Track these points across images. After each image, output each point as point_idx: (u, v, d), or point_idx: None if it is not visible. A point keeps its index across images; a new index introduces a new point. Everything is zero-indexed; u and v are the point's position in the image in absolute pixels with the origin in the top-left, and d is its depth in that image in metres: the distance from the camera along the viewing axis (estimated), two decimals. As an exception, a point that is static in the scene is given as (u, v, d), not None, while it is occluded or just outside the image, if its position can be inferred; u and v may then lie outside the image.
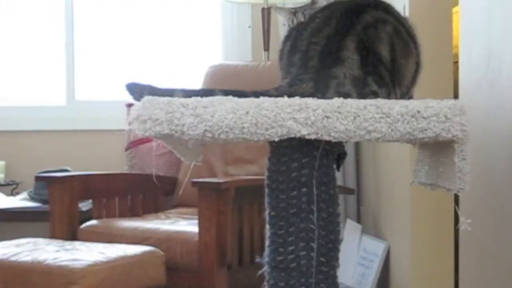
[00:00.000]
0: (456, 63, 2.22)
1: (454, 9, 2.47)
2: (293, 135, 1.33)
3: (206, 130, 1.32)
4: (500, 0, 1.79)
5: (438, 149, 1.45)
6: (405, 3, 2.49)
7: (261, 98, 1.36)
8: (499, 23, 1.78)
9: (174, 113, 1.32)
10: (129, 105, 3.46)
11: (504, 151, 1.73)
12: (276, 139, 1.33)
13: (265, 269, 1.53)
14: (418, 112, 1.36)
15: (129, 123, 1.34)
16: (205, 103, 1.33)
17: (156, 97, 1.35)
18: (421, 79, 2.40)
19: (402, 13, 2.29)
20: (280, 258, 1.48)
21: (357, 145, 3.58)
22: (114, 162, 3.59)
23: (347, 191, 3.43)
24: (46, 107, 3.86)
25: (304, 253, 1.47)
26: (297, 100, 1.35)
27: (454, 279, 2.46)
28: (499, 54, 1.76)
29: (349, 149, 3.49)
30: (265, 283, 1.53)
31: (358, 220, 3.49)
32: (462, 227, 1.42)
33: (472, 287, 2.03)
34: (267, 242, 1.52)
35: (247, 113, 1.32)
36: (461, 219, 1.42)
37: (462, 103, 1.39)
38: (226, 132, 1.32)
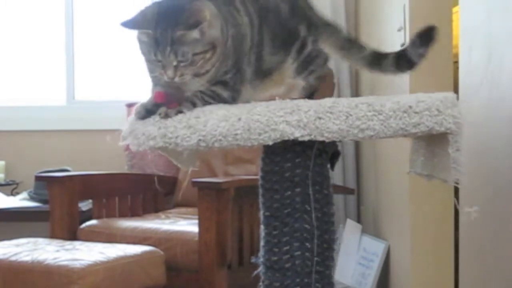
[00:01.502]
0: (456, 63, 2.22)
1: (454, 9, 2.47)
2: (286, 138, 1.33)
3: (200, 140, 1.32)
4: (500, 0, 1.79)
5: (432, 140, 1.45)
6: (405, 3, 2.49)
7: (252, 103, 1.37)
8: (499, 23, 1.77)
9: (168, 128, 1.33)
10: (129, 105, 3.46)
11: (504, 152, 1.73)
12: (270, 143, 1.33)
13: (260, 269, 1.53)
14: (410, 107, 1.36)
15: (123, 138, 1.35)
16: (196, 113, 1.33)
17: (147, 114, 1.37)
18: (421, 79, 2.39)
19: (402, 13, 2.28)
20: (275, 258, 1.48)
21: (357, 145, 3.58)
22: (114, 162, 3.59)
23: (347, 191, 3.43)
24: (46, 107, 3.86)
25: (299, 253, 1.48)
26: (288, 103, 1.35)
27: (454, 279, 2.46)
28: (499, 54, 1.76)
29: (349, 149, 3.49)
30: (260, 283, 1.53)
31: (358, 220, 3.48)
32: (472, 217, 1.42)
33: (472, 287, 2.03)
34: (261, 242, 1.53)
35: (239, 119, 1.32)
36: (465, 209, 1.42)
37: (453, 95, 1.39)
38: (220, 140, 1.32)
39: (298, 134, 1.33)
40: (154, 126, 1.33)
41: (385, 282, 2.93)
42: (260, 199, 1.52)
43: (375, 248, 2.94)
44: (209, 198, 2.51)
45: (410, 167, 1.57)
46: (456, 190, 1.87)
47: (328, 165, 1.55)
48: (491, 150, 1.80)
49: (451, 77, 2.48)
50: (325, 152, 1.51)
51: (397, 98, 1.38)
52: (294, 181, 1.47)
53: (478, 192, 1.81)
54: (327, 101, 1.35)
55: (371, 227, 3.21)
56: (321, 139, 1.33)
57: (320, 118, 1.33)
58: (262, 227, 1.52)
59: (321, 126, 1.33)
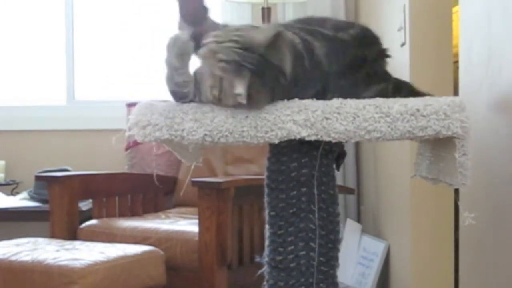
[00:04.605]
0: (456, 63, 2.22)
1: (454, 9, 2.47)
2: (293, 137, 1.33)
3: (206, 135, 1.32)
4: (500, 0, 1.78)
5: (438, 144, 1.45)
6: (405, 3, 2.49)
7: None
8: (499, 23, 1.77)
9: (174, 118, 1.33)
10: (129, 105, 3.46)
11: (504, 152, 1.73)
12: (276, 142, 1.34)
13: (265, 268, 1.53)
14: (418, 110, 1.36)
15: (129, 129, 1.34)
16: (204, 108, 1.33)
17: (154, 102, 1.36)
18: (422, 79, 2.39)
19: (402, 13, 2.28)
20: (280, 258, 1.49)
21: (357, 145, 3.58)
22: (114, 162, 3.59)
23: (347, 190, 3.43)
24: (46, 107, 3.87)
25: (303, 252, 1.48)
26: (296, 102, 1.35)
27: (454, 279, 2.46)
28: (499, 54, 1.76)
29: (349, 149, 3.49)
30: (264, 282, 1.53)
31: (358, 220, 3.49)
32: (465, 222, 1.42)
33: (472, 287, 2.03)
34: (266, 242, 1.53)
35: (246, 117, 1.32)
36: (464, 214, 1.42)
37: (461, 99, 1.39)
38: (226, 136, 1.32)
39: (304, 133, 1.33)
40: (161, 115, 1.33)
41: (385, 282, 2.93)
42: (266, 199, 1.52)
43: (375, 248, 2.95)
44: (209, 198, 2.51)
45: (415, 170, 1.57)
46: (456, 191, 1.87)
47: (334, 166, 1.55)
48: (491, 150, 1.80)
49: (451, 77, 2.48)
50: (331, 152, 1.51)
51: (405, 101, 1.38)
52: (300, 181, 1.48)
53: (477, 192, 1.81)
54: (334, 102, 1.35)
55: (371, 227, 3.21)
56: (327, 139, 1.34)
57: (327, 118, 1.33)
58: (267, 226, 1.52)
59: (328, 126, 1.33)
